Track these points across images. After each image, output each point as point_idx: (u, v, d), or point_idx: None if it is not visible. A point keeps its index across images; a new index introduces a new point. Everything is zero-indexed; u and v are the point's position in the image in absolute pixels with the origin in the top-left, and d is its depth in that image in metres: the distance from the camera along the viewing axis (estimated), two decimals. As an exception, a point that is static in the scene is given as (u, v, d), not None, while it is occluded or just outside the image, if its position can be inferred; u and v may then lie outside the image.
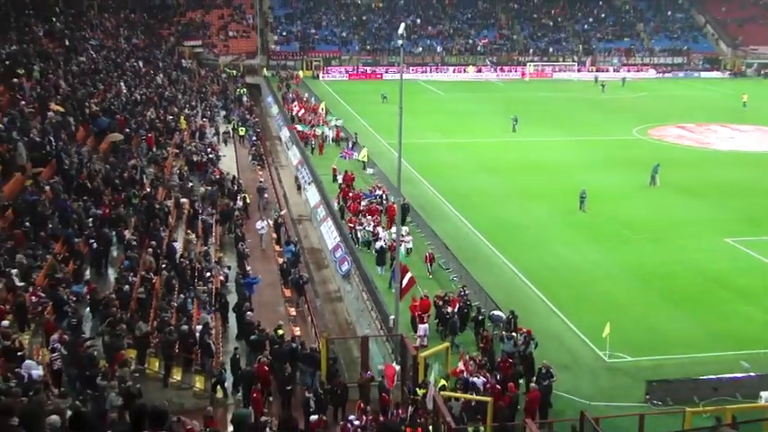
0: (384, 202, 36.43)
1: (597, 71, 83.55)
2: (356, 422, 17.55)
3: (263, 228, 33.03)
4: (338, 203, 37.09)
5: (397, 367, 21.40)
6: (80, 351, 18.37)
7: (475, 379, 20.51)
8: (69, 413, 12.14)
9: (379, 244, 30.82)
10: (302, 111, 58.56)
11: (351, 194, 37.58)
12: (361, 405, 19.56)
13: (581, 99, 70.89)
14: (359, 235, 32.94)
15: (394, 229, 28.60)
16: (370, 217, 33.79)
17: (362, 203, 36.06)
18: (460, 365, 21.49)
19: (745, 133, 57.03)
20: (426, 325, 24.77)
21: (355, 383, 21.50)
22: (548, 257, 31.29)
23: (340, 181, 40.13)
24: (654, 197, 39.69)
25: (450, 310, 24.90)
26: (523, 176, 43.16)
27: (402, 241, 29.28)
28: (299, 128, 52.45)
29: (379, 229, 32.24)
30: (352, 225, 33.67)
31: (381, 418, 18.26)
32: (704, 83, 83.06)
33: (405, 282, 25.58)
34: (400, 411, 19.05)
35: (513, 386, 20.31)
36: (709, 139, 54.97)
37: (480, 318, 24.56)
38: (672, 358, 23.42)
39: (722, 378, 21.64)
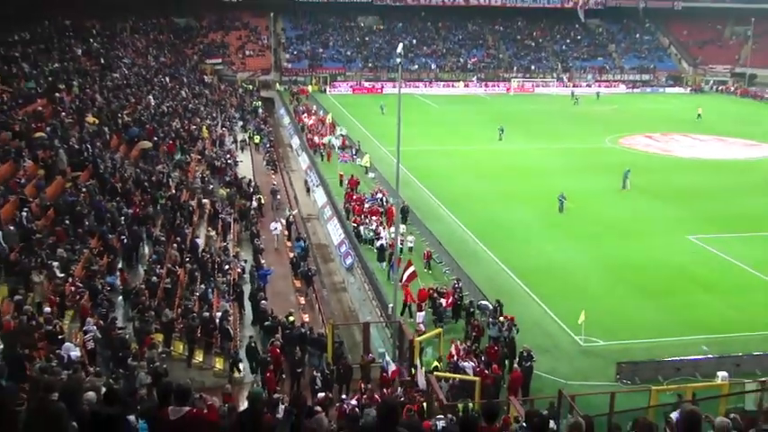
0: (384, 204, 36.38)
1: (573, 87, 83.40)
2: (353, 402, 17.32)
3: (276, 228, 32.96)
4: (345, 205, 36.96)
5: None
6: (113, 335, 18.41)
7: (465, 364, 20.48)
8: (104, 390, 12.15)
9: (380, 242, 30.86)
10: (311, 121, 58.50)
11: (354, 197, 37.58)
12: (362, 384, 19.56)
13: (560, 111, 70.71)
14: (362, 233, 32.97)
15: (393, 228, 28.64)
16: (373, 217, 33.81)
17: (366, 206, 36.06)
18: (452, 350, 21.52)
19: (704, 142, 56.95)
20: (424, 312, 24.85)
21: (358, 364, 21.53)
22: (530, 253, 31.29)
23: (346, 185, 40.10)
24: (624, 199, 39.70)
25: (443, 301, 24.99)
26: (509, 181, 43.09)
27: (402, 240, 29.34)
28: (338, 149, 50.23)
29: (381, 228, 32.26)
30: (356, 225, 33.70)
31: (377, 396, 18.20)
32: (668, 97, 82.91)
33: (407, 275, 25.64)
34: (387, 391, 18.89)
35: (497, 368, 20.40)
36: (672, 148, 54.92)
37: (471, 309, 24.57)
38: (639, 342, 23.49)
39: (684, 360, 21.73)
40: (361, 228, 33.19)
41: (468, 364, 20.39)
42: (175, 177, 34.74)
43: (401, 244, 29.23)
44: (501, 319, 23.05)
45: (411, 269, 26.03)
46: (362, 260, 30.08)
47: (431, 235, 32.84)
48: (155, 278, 22.81)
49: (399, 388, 19.04)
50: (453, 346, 21.70)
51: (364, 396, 18.05)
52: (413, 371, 20.19)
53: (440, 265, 30.15)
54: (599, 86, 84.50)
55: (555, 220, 35.76)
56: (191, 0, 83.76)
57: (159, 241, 26.18)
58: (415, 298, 25.40)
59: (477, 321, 23.78)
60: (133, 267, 24.69)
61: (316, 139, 52.49)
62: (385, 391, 19.00)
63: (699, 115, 65.32)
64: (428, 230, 33.26)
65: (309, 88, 78.88)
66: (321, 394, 18.54)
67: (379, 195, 37.75)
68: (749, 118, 68.51)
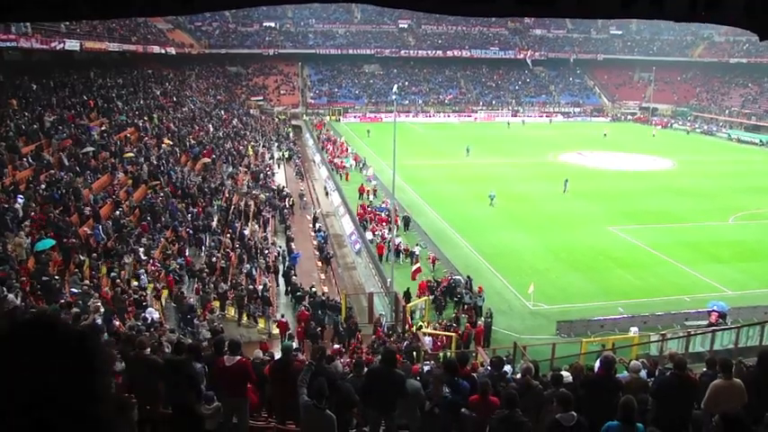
0: (389, 213, 35.04)
1: (525, 117, 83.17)
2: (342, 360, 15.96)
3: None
4: (362, 215, 34.51)
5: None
6: (183, 302, 18.34)
7: (426, 338, 19.52)
8: (175, 342, 12.08)
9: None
10: (330, 146, 57.66)
11: (369, 208, 35.87)
12: (359, 336, 19.47)
13: (513, 134, 70.45)
14: (369, 236, 31.15)
15: (388, 233, 28.22)
16: (384, 224, 32.53)
17: (382, 214, 34.45)
18: (427, 326, 21.08)
19: (618, 157, 56.35)
20: (422, 300, 24.06)
21: (367, 323, 21.46)
22: (492, 239, 31.11)
23: (366, 196, 38.59)
24: (564, 200, 39.44)
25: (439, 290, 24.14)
26: (474, 186, 42.59)
27: (401, 244, 28.86)
28: (355, 166, 48.81)
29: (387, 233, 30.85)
30: (372, 232, 31.71)
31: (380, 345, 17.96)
32: (594, 125, 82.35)
33: (413, 269, 25.55)
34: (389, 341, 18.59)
35: (469, 326, 20.34)
36: (596, 161, 54.41)
37: (460, 296, 23.35)
38: (573, 306, 23.44)
39: (605, 318, 21.71)
40: (369, 233, 31.46)
41: (428, 339, 19.48)
42: (228, 185, 34.63)
43: (406, 247, 28.87)
44: (474, 290, 22.88)
45: (417, 265, 26.11)
46: (368, 247, 29.95)
47: (418, 226, 32.68)
48: (213, 259, 22.77)
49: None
50: (430, 324, 21.19)
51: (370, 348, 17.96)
52: (407, 329, 20.10)
53: (440, 266, 28.42)
54: (550, 116, 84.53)
55: (511, 213, 35.53)
56: (240, 54, 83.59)
57: (216, 232, 26.12)
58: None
59: (466, 307, 22.34)
60: (197, 252, 24.66)
61: (336, 161, 51.07)
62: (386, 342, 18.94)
63: (605, 134, 65.66)
64: (430, 240, 30.91)
65: (327, 119, 78.33)
66: (336, 346, 18.55)
67: (384, 206, 36.63)
68: (647, 139, 68.19)
